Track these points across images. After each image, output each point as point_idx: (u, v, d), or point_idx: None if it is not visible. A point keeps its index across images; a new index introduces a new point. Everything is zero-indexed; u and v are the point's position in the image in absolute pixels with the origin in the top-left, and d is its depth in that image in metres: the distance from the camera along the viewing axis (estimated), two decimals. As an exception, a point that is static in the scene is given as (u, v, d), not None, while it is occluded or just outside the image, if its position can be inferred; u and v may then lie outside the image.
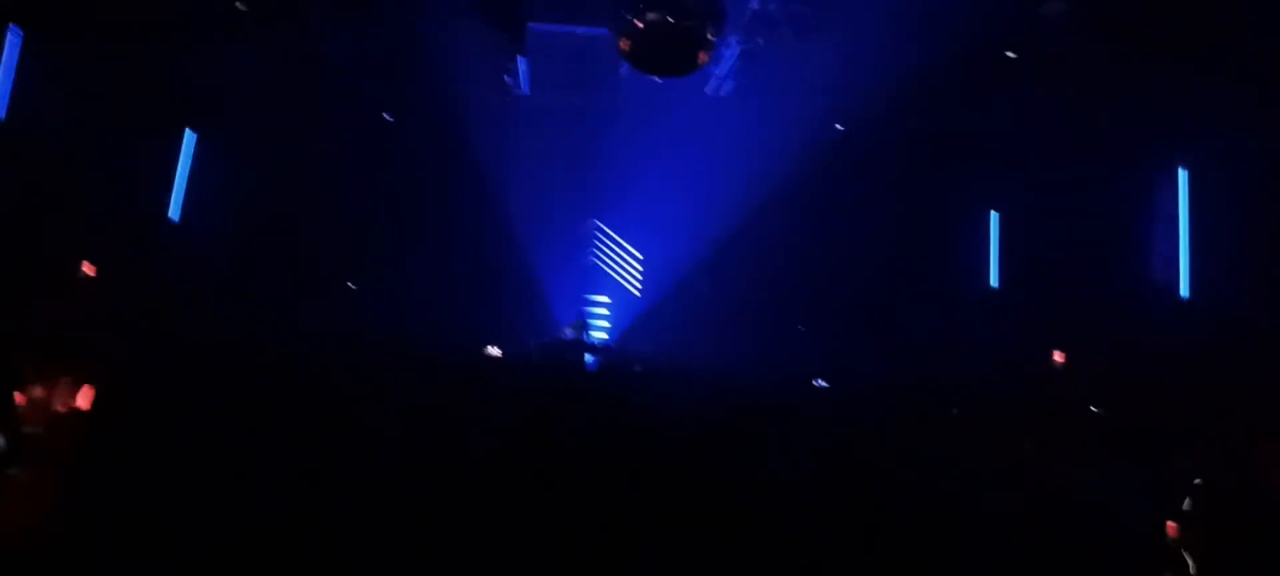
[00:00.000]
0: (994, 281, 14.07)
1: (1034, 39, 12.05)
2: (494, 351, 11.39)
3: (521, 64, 14.13)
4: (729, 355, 14.44)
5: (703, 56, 12.05)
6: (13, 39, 10.89)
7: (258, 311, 11.89)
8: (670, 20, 11.16)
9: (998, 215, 14.01)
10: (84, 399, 7.71)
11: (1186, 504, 6.24)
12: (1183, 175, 10.87)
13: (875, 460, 8.24)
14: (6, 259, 10.44)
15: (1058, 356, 12.63)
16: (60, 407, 7.72)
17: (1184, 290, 10.76)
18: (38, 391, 7.59)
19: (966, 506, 7.03)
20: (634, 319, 17.47)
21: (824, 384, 12.56)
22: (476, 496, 6.13)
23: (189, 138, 13.26)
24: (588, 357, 14.64)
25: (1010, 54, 12.33)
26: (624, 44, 11.71)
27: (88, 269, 12.35)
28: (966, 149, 13.46)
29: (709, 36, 11.71)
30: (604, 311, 17.18)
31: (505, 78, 14.25)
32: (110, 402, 7.66)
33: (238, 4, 12.38)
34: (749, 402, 9.46)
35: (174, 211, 13.02)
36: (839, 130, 14.36)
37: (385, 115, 15.17)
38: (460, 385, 9.45)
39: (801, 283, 15.50)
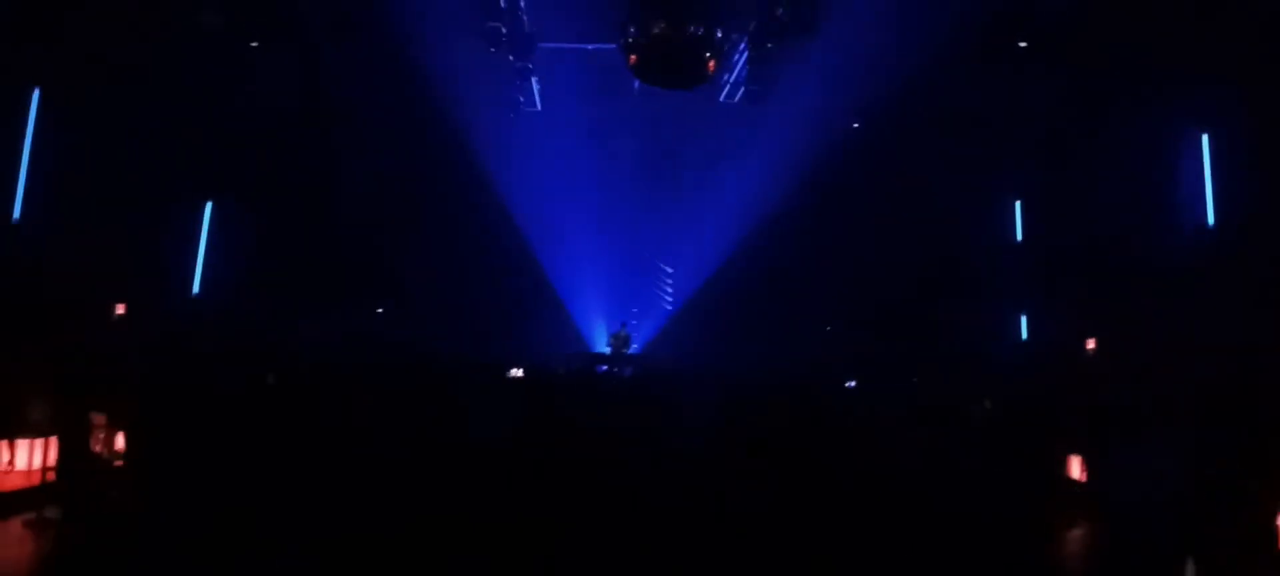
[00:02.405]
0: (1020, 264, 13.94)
1: (1045, 21, 11.94)
2: (516, 373, 11.44)
3: (534, 83, 14.22)
4: (754, 358, 14.41)
5: (712, 65, 12.06)
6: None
7: (286, 332, 12.09)
8: (676, 33, 11.18)
9: (1021, 204, 13.86)
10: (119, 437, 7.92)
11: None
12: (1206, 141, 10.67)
13: (902, 455, 8.22)
14: (40, 296, 10.70)
15: (1090, 344, 12.45)
16: (97, 446, 7.96)
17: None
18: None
19: (993, 498, 6.98)
20: (661, 326, 17.50)
21: (853, 384, 12.49)
22: (501, 503, 6.20)
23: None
24: (624, 370, 14.63)
25: (1022, 44, 12.22)
26: (633, 59, 11.75)
27: (119, 308, 12.63)
28: (984, 135, 13.31)
29: (716, 45, 11.71)
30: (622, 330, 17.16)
31: (519, 97, 14.35)
32: (145, 426, 7.86)
33: (252, 44, 12.61)
34: (773, 404, 9.46)
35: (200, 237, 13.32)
36: (855, 127, 14.30)
37: (406, 141, 15.37)
38: (487, 399, 9.57)
39: (825, 283, 15.42)
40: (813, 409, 9.26)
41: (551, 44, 13.53)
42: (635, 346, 16.85)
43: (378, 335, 14.26)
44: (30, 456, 7.74)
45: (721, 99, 14.90)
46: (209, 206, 13.48)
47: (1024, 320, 13.75)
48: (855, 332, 14.45)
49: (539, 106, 14.77)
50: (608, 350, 15.70)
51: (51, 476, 7.38)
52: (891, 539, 6.11)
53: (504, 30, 12.53)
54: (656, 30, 11.20)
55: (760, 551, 5.56)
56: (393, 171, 14.62)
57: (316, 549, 5.33)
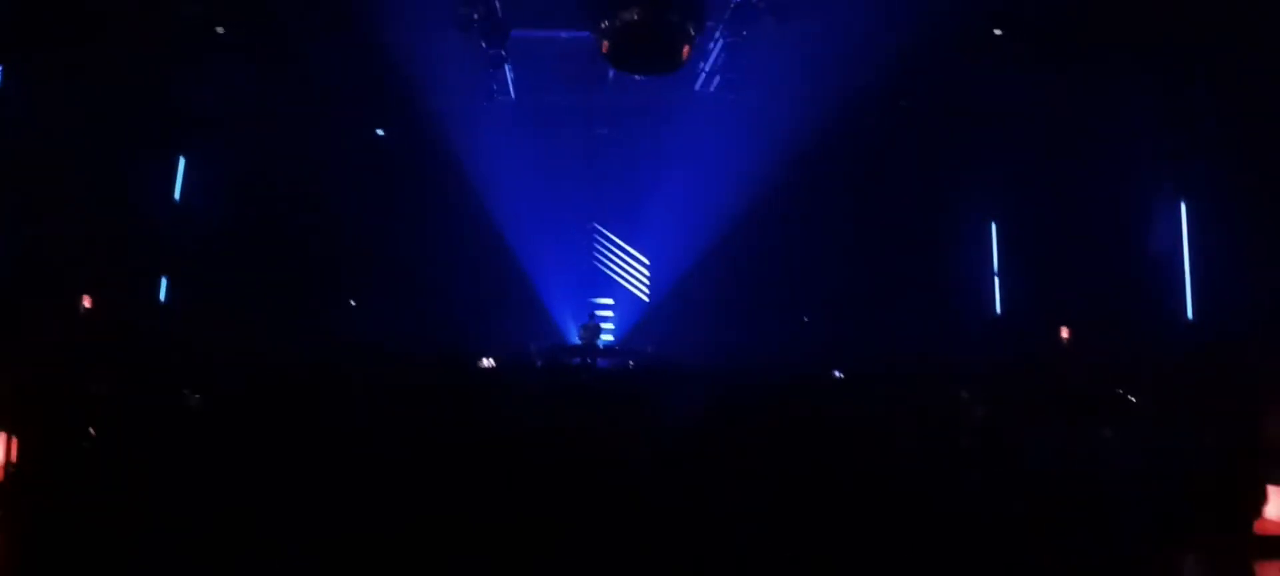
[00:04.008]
0: (995, 262, 13.99)
1: (1026, 16, 11.91)
2: (488, 363, 11.33)
3: (507, 71, 14.06)
4: (731, 350, 14.37)
5: (686, 52, 11.95)
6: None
7: (255, 327, 11.90)
8: (649, 18, 11.08)
9: (996, 193, 13.89)
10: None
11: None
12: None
13: (878, 447, 8.17)
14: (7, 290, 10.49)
15: (1063, 332, 12.50)
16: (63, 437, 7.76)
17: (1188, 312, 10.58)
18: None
19: (972, 490, 6.95)
20: (637, 318, 17.44)
21: (841, 375, 12.45)
22: (481, 497, 6.10)
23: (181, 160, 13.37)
24: (599, 361, 14.56)
25: (997, 31, 12.19)
26: (605, 46, 11.64)
27: (86, 301, 12.39)
28: (962, 130, 13.33)
29: (690, 32, 11.61)
30: (608, 314, 17.14)
31: (492, 86, 14.20)
32: (110, 428, 7.68)
33: (218, 28, 12.38)
34: (749, 397, 9.39)
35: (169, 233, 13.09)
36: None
37: (377, 131, 15.21)
38: (463, 393, 9.45)
39: (801, 274, 15.41)
40: (808, 403, 9.17)
41: (524, 32, 13.37)
42: (610, 339, 16.78)
43: (348, 328, 14.11)
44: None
45: (696, 88, 14.81)
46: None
47: (998, 310, 13.83)
48: (834, 323, 14.44)
49: (512, 95, 14.61)
50: (578, 342, 15.64)
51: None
52: (886, 536, 6.04)
53: (475, 16, 12.36)
54: (630, 16, 11.09)
55: (756, 552, 5.49)
56: (361, 162, 14.46)
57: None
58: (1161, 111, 10.48)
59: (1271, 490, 6.23)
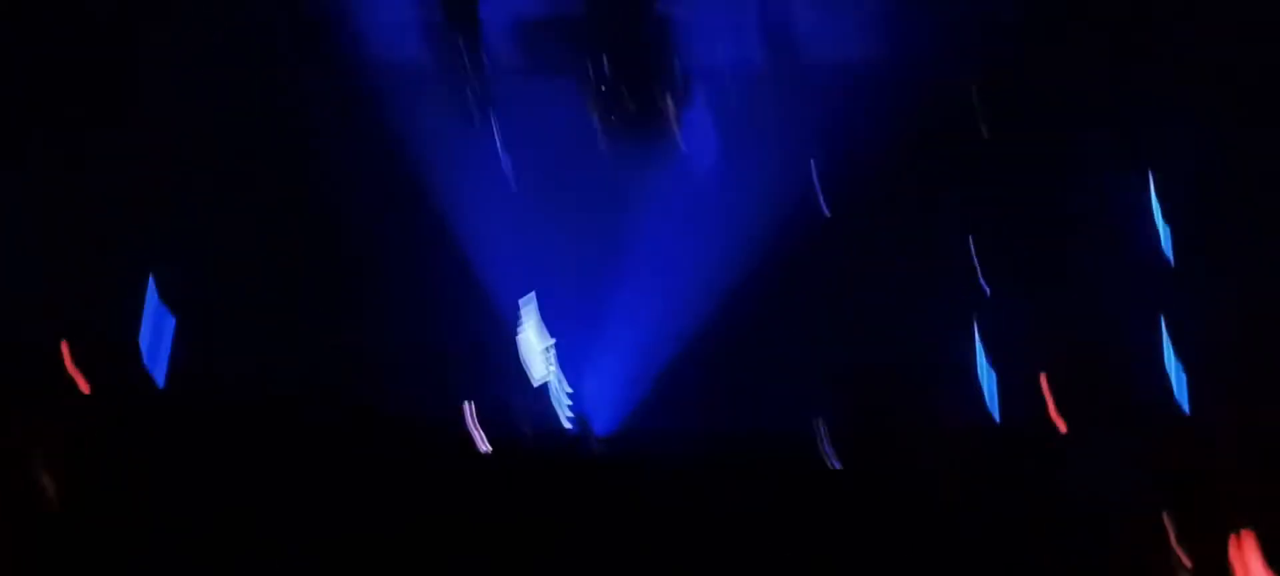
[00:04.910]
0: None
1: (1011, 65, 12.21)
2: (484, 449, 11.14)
3: (493, 119, 14.22)
4: (726, 410, 14.18)
5: (671, 119, 12.08)
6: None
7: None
8: (629, 88, 11.14)
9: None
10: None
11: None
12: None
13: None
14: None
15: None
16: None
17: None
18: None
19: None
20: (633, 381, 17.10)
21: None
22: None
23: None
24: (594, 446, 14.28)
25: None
26: (596, 115, 11.74)
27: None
28: (951, 167, 13.48)
29: (673, 100, 11.72)
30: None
31: (477, 129, 14.29)
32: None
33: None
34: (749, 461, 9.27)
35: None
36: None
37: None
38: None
39: (792, 328, 15.30)
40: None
41: (509, 75, 13.61)
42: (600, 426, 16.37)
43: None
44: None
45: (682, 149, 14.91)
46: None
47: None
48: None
49: (498, 141, 14.67)
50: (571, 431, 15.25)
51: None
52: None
53: (466, 61, 12.55)
54: (610, 87, 11.20)
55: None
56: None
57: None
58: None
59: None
